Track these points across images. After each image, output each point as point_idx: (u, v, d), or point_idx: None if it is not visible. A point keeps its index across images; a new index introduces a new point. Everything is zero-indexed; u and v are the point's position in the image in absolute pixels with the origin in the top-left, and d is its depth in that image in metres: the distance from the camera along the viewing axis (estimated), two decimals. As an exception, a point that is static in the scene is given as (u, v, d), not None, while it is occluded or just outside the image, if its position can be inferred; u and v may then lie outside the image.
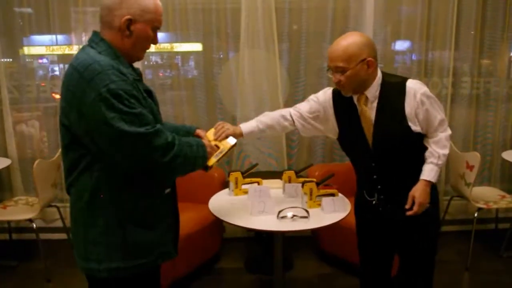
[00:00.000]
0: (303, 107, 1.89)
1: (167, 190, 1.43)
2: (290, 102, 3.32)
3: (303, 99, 3.25)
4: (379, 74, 1.70)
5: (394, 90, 1.67)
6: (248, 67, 3.17)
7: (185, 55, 3.41)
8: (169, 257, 1.44)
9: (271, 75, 3.20)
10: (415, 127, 1.66)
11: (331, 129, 1.87)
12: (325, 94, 1.86)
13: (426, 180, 1.67)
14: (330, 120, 1.85)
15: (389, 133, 1.68)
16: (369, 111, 1.70)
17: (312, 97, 1.89)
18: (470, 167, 2.83)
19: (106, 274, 1.31)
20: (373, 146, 1.72)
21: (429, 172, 1.67)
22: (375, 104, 1.70)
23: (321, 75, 3.32)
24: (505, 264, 2.95)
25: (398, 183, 1.74)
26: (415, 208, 1.66)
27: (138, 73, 1.41)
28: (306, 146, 3.43)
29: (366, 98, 1.70)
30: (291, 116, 1.89)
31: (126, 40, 1.32)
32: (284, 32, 3.24)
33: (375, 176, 1.77)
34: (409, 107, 1.64)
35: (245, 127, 1.86)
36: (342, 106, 1.79)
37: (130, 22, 1.30)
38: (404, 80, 1.68)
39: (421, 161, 1.70)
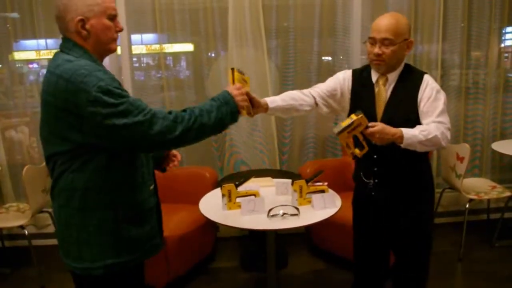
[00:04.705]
0: (321, 85, 1.95)
1: (151, 187, 1.47)
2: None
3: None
4: (404, 61, 1.80)
5: (411, 78, 1.78)
6: (237, 66, 3.14)
7: (174, 55, 3.39)
8: (158, 248, 1.49)
9: (260, 73, 3.19)
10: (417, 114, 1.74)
11: (343, 107, 1.94)
12: (345, 74, 1.94)
13: (401, 131, 1.62)
14: (345, 98, 1.92)
15: (398, 114, 1.75)
16: (385, 92, 1.80)
17: (331, 78, 1.96)
18: (461, 159, 2.85)
19: (101, 271, 1.33)
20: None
21: (408, 131, 1.63)
22: (392, 86, 1.79)
23: (311, 71, 3.32)
24: (498, 254, 2.98)
25: (393, 166, 1.82)
26: (372, 129, 1.60)
27: None
28: (298, 142, 3.42)
29: (387, 79, 1.80)
30: (310, 93, 1.92)
31: (89, 41, 1.31)
32: (272, 30, 3.23)
33: (375, 156, 1.82)
34: (420, 95, 1.72)
35: (269, 98, 1.86)
36: (360, 85, 1.87)
37: (83, 22, 1.29)
38: (423, 73, 1.79)
39: (417, 152, 1.70)
